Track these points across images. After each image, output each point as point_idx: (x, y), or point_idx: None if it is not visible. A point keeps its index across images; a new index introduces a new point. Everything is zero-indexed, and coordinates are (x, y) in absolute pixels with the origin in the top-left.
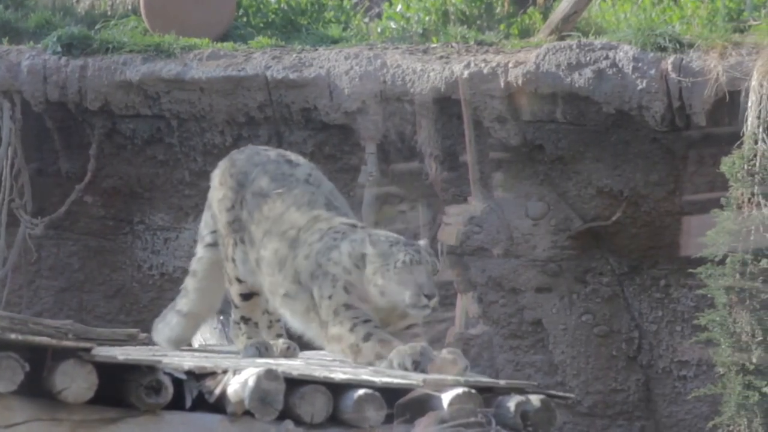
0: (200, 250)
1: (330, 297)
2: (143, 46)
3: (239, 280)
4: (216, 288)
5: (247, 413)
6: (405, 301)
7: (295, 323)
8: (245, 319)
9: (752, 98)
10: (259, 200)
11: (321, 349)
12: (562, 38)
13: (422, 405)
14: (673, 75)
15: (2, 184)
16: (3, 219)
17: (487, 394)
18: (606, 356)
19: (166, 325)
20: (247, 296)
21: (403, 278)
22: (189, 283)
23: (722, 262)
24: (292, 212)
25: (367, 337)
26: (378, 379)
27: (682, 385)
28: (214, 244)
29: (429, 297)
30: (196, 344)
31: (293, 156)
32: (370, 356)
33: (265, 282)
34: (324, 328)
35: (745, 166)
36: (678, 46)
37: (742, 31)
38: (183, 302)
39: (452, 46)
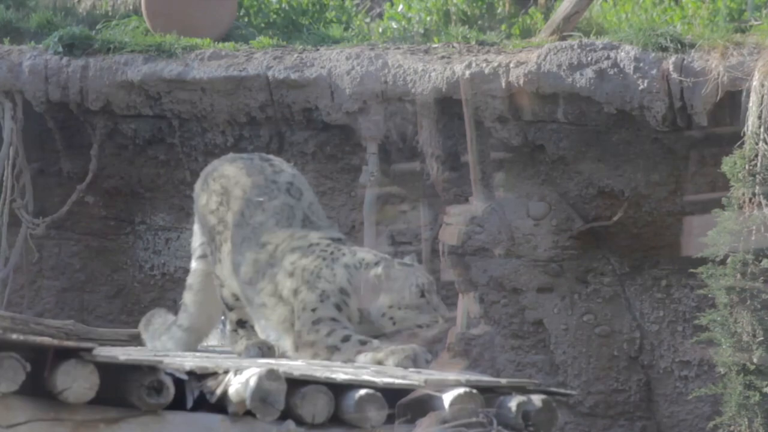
0: (193, 263)
1: (314, 310)
2: (144, 46)
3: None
4: (213, 299)
5: (249, 413)
6: (421, 325)
7: (270, 331)
8: (242, 323)
9: (753, 98)
10: (240, 204)
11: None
12: (563, 38)
13: (423, 405)
14: (674, 75)
15: (4, 184)
16: (4, 219)
17: (488, 394)
18: (607, 356)
19: (169, 339)
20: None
21: (419, 303)
22: (186, 297)
23: (723, 262)
24: (271, 225)
25: (346, 339)
26: (379, 380)
27: (684, 385)
28: (204, 256)
29: (444, 318)
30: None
31: (276, 161)
32: (349, 355)
33: (241, 288)
34: (298, 336)
35: (747, 166)
36: (679, 46)
37: (743, 31)
38: (183, 317)
39: (453, 46)
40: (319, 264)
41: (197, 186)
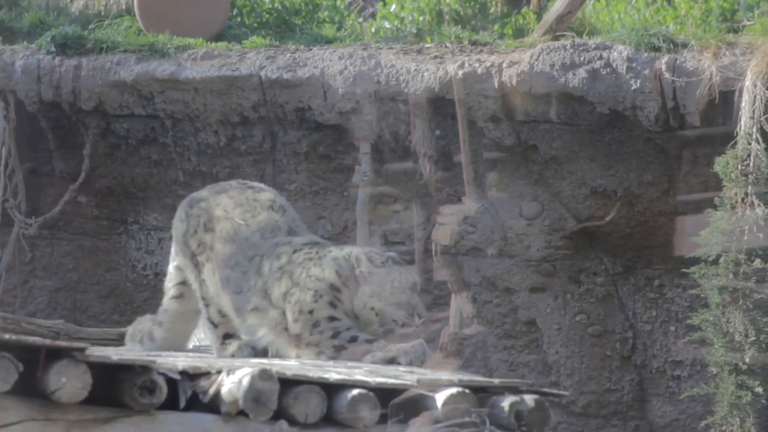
0: (166, 302)
1: (311, 312)
2: (137, 46)
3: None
4: (182, 336)
5: (241, 413)
6: (398, 321)
7: (263, 336)
8: (229, 336)
9: (746, 98)
10: (224, 223)
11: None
12: (556, 38)
13: (416, 405)
14: (667, 75)
15: None
16: None
17: (481, 393)
18: (600, 356)
19: None
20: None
21: (398, 299)
22: (156, 332)
23: (716, 262)
24: (256, 238)
25: (353, 339)
26: (372, 379)
27: (676, 384)
28: (178, 297)
29: (420, 317)
30: (190, 345)
31: (255, 183)
32: (357, 355)
33: (230, 299)
34: (298, 339)
35: (739, 166)
36: (672, 46)
37: (735, 32)
38: (150, 346)
39: (446, 46)
40: (306, 264)
41: (175, 218)
